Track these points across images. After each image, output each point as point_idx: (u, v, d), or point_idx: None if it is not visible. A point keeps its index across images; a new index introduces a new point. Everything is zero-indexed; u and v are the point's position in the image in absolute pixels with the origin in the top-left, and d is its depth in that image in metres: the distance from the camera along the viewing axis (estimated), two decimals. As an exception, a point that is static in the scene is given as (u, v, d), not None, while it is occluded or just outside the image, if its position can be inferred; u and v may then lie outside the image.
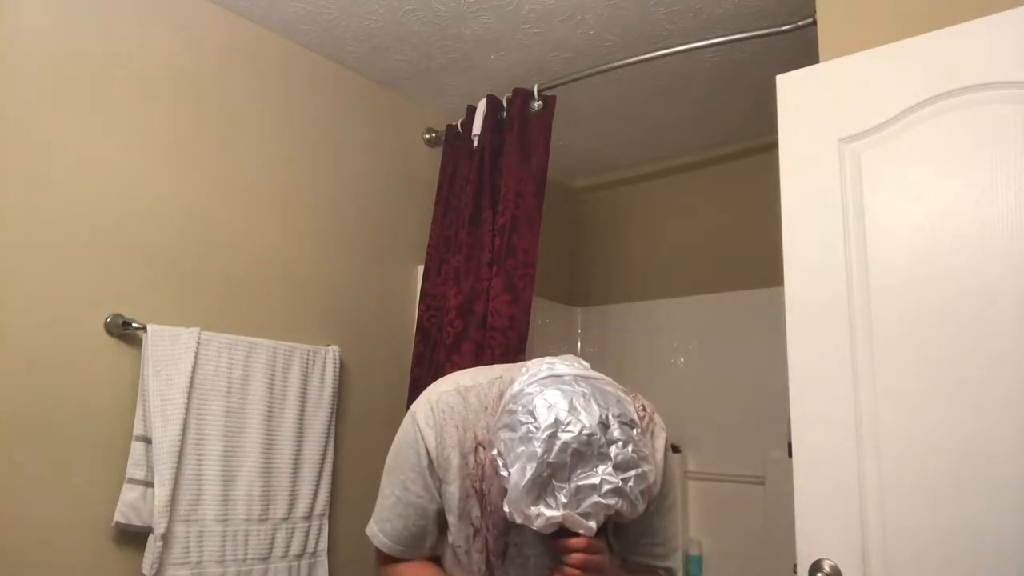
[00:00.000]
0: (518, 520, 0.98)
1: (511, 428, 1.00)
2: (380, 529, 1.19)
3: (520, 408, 1.00)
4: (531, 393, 1.00)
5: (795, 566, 1.39)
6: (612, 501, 0.97)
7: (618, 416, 0.99)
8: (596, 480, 0.96)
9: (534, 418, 0.97)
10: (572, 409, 0.97)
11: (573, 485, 0.96)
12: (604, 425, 0.97)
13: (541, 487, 0.96)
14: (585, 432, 0.95)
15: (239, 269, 2.01)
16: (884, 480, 1.33)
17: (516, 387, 1.04)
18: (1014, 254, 1.26)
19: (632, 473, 0.97)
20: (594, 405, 0.98)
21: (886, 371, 1.36)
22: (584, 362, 1.09)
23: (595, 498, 0.96)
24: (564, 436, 0.95)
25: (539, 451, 0.95)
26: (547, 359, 1.08)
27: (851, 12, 1.59)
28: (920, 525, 1.29)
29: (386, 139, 2.47)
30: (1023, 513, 1.20)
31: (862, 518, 1.34)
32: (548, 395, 0.99)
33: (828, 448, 1.39)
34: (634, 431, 1.00)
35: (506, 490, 0.98)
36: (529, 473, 0.95)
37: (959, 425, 1.27)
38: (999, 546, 1.21)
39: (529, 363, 1.09)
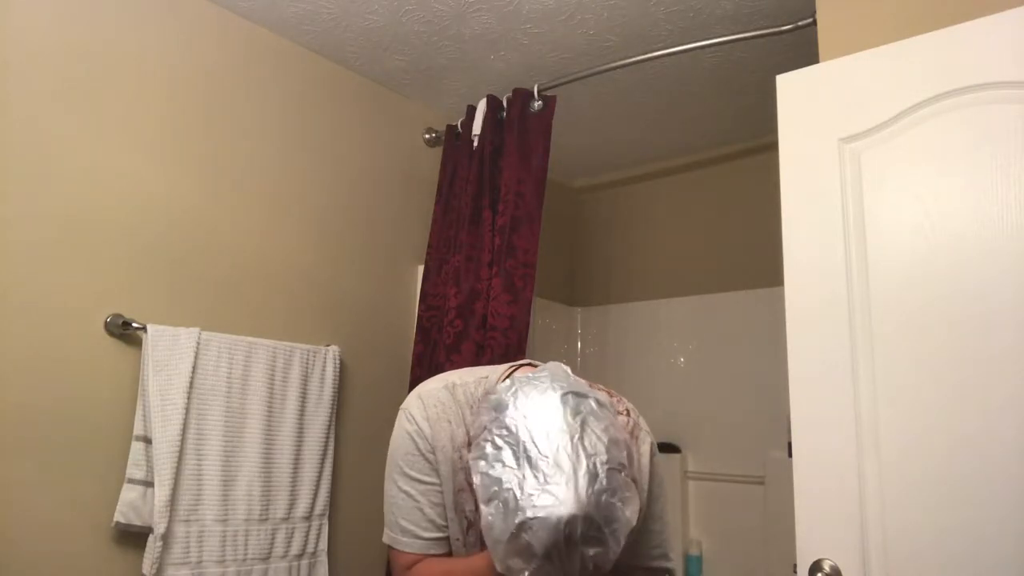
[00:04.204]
0: (499, 568, 0.94)
1: (490, 485, 0.92)
2: (401, 531, 1.17)
3: (505, 444, 0.93)
4: (516, 432, 0.93)
5: (795, 566, 1.39)
6: (591, 551, 0.91)
7: (606, 463, 0.92)
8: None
9: (518, 479, 0.90)
10: (557, 471, 0.89)
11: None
12: (596, 489, 0.91)
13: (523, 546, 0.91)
14: (569, 516, 0.89)
15: (239, 269, 2.01)
16: (884, 480, 1.33)
17: (491, 414, 0.97)
18: (1014, 254, 1.26)
19: (616, 526, 0.92)
20: (583, 459, 0.91)
21: (886, 371, 1.36)
22: (566, 368, 1.04)
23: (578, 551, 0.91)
24: (545, 517, 0.89)
25: (519, 520, 0.89)
26: (530, 376, 1.01)
27: (851, 12, 1.59)
28: (920, 525, 1.29)
29: (386, 139, 2.46)
30: (1023, 513, 1.20)
31: (862, 518, 1.34)
32: (536, 437, 0.91)
33: (828, 448, 1.39)
34: (622, 475, 0.94)
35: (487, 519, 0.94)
36: (512, 523, 0.90)
37: (959, 425, 1.27)
38: (999, 546, 1.21)
39: (515, 381, 1.00)
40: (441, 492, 1.15)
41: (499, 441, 0.94)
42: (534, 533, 0.88)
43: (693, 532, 2.70)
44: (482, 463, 0.95)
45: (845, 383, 1.39)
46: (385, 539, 1.20)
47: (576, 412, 0.95)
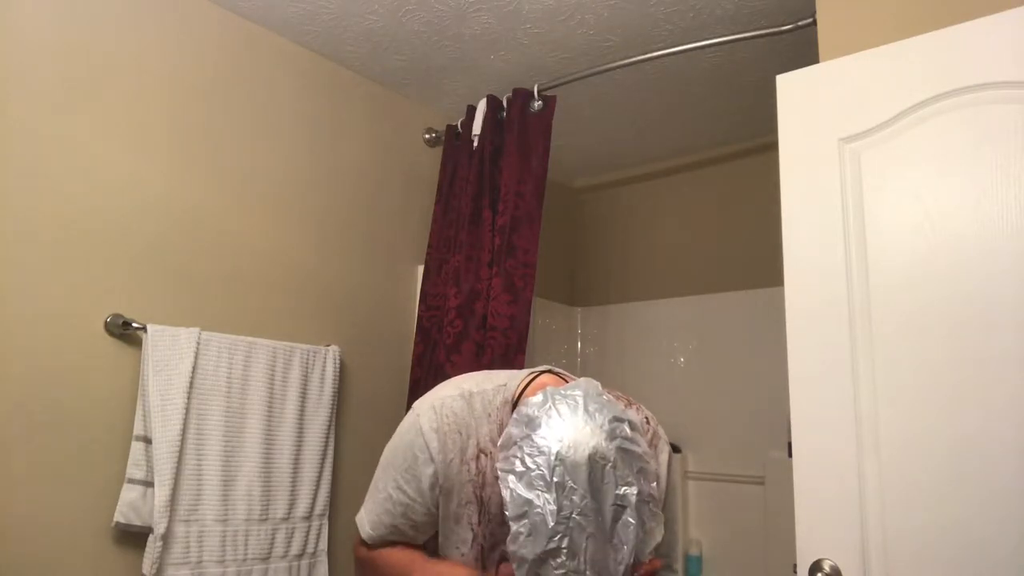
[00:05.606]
0: None
1: (521, 504, 0.91)
2: (368, 521, 1.19)
3: (536, 466, 0.92)
4: (548, 455, 0.92)
5: (795, 566, 1.39)
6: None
7: (636, 494, 0.93)
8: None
9: (551, 497, 0.90)
10: (587, 502, 0.90)
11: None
12: (621, 507, 0.93)
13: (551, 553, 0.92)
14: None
15: (239, 269, 2.01)
16: (884, 480, 1.33)
17: (522, 429, 0.95)
18: (1014, 254, 1.26)
19: (641, 559, 0.94)
20: (611, 490, 0.92)
21: (886, 371, 1.36)
22: (597, 384, 1.02)
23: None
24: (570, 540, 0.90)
25: (548, 537, 0.90)
26: (564, 393, 0.98)
27: (851, 12, 1.59)
28: (920, 525, 1.29)
29: (386, 139, 2.46)
30: (1022, 513, 1.20)
31: (862, 518, 1.34)
32: (567, 463, 0.91)
33: (828, 448, 1.39)
34: (649, 506, 0.95)
35: (507, 516, 0.94)
36: (539, 548, 0.90)
37: (959, 425, 1.27)
38: (999, 546, 1.21)
39: (548, 396, 0.99)
40: (427, 511, 1.14)
41: (529, 461, 0.92)
42: (560, 562, 0.89)
43: (693, 532, 2.70)
44: (511, 478, 0.93)
45: (845, 383, 1.39)
46: (357, 517, 1.22)
47: (612, 437, 0.94)
